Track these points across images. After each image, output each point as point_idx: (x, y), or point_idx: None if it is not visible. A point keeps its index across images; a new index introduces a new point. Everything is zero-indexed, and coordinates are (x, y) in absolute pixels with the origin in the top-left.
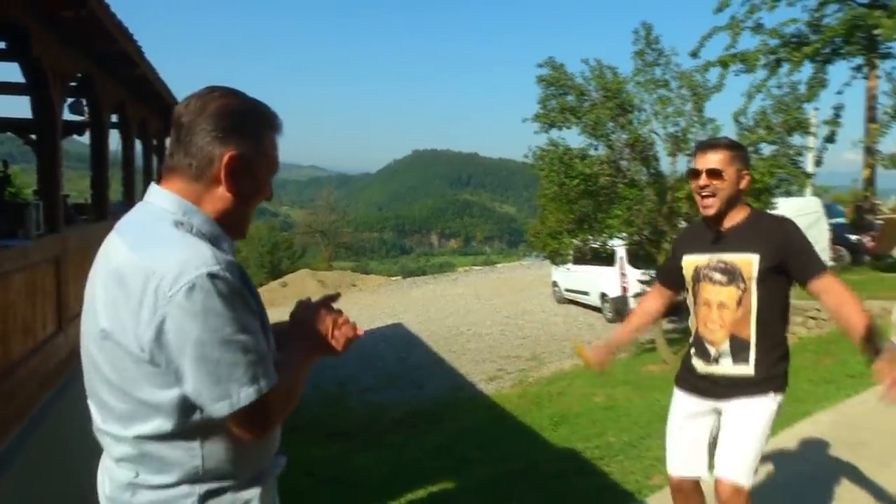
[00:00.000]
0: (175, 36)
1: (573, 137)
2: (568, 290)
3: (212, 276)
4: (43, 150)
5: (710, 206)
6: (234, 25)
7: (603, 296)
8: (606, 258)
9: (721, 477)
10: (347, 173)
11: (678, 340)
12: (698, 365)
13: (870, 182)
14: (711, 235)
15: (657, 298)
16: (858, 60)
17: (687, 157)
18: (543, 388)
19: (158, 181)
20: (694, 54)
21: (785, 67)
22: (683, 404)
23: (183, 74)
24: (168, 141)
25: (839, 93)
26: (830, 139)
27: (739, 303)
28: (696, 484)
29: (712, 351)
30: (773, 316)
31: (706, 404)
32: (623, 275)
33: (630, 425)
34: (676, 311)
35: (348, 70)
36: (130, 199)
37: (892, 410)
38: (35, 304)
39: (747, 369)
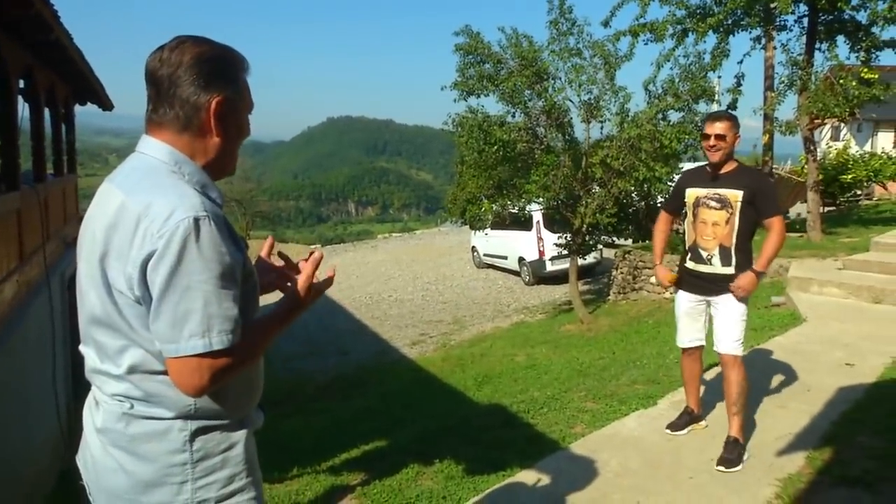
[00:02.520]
0: None
1: (491, 105)
2: (487, 255)
3: (196, 221)
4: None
5: (716, 154)
6: None
7: (521, 260)
8: (523, 223)
9: (723, 352)
10: (261, 141)
11: (593, 301)
12: (694, 266)
13: (769, 147)
14: (710, 176)
15: (666, 222)
16: (757, 32)
17: (600, 124)
18: (466, 350)
19: (147, 132)
20: (605, 24)
21: (691, 38)
22: (684, 299)
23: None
24: (148, 95)
25: (740, 62)
26: (733, 106)
27: (727, 222)
28: (699, 349)
29: (705, 255)
30: (748, 233)
31: (701, 299)
32: (540, 239)
33: (551, 381)
34: (590, 273)
35: (258, 37)
36: (41, 168)
37: (788, 359)
38: (9, 243)
39: (730, 269)
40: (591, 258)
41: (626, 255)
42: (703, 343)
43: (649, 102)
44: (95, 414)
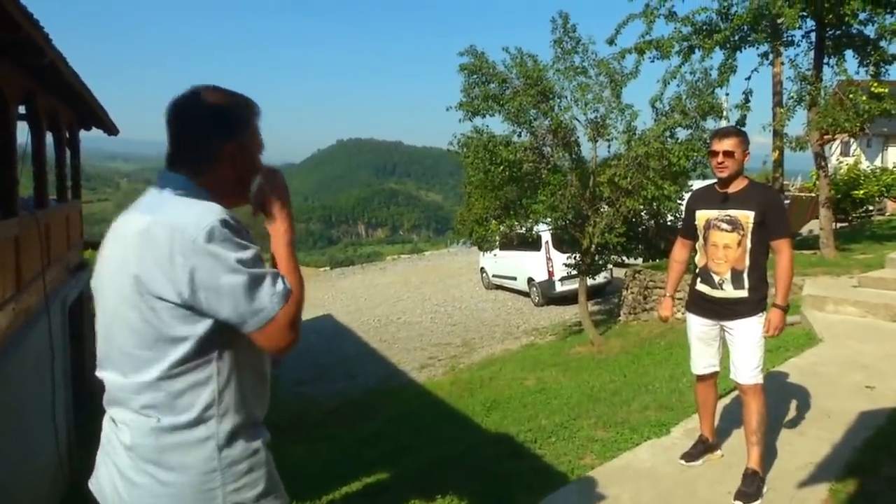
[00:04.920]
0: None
1: (497, 125)
2: (496, 276)
3: (223, 222)
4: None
5: (724, 171)
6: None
7: (530, 280)
8: (532, 243)
9: (742, 382)
10: (271, 164)
11: (603, 322)
12: (706, 290)
13: (779, 163)
14: (720, 197)
15: (684, 248)
16: (765, 48)
17: (607, 143)
18: (475, 373)
19: (168, 168)
20: (611, 42)
21: (698, 54)
22: (696, 324)
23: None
24: (168, 138)
25: (748, 78)
26: (741, 123)
27: (739, 244)
28: (714, 375)
29: (717, 279)
30: (760, 254)
31: (713, 323)
32: (549, 259)
33: (561, 407)
34: (600, 293)
35: (267, 60)
36: (42, 194)
37: (805, 382)
38: (5, 271)
39: (743, 293)
40: (600, 278)
41: (637, 275)
42: (718, 369)
43: (656, 120)
44: (122, 434)
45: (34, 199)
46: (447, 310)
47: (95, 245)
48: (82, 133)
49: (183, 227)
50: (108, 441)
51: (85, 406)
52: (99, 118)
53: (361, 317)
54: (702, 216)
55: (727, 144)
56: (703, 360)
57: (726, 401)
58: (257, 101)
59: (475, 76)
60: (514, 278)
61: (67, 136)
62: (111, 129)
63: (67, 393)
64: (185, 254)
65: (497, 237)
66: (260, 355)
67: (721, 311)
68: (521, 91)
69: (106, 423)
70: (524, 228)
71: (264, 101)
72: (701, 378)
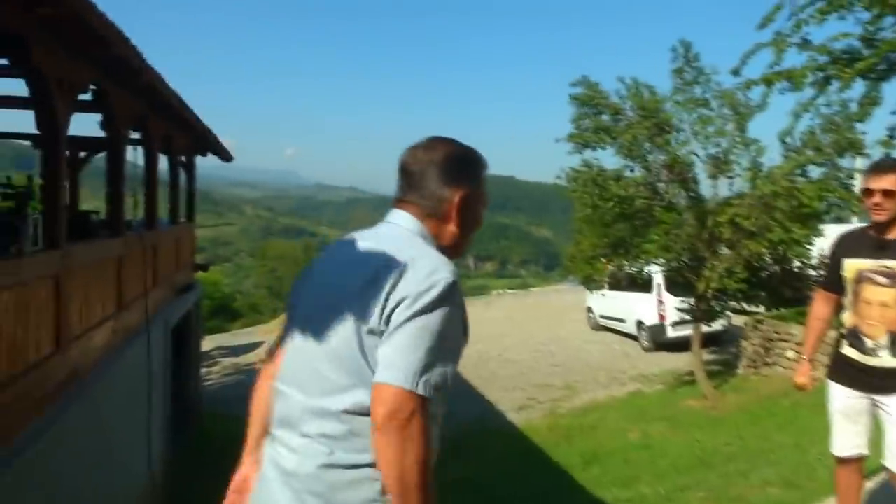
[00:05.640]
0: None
1: (607, 158)
2: (603, 317)
3: (454, 284)
4: (48, 162)
5: (882, 214)
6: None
7: (639, 323)
8: (643, 284)
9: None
10: (385, 195)
11: (718, 374)
12: (855, 356)
13: None
14: (875, 244)
15: (826, 304)
16: None
17: (729, 180)
18: (575, 419)
19: (397, 207)
20: (735, 72)
21: (835, 85)
22: (841, 396)
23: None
24: (399, 182)
25: (894, 112)
26: None
27: None
28: (860, 460)
29: (870, 343)
30: None
31: (863, 395)
32: (661, 302)
33: (667, 470)
34: (716, 341)
35: (386, 94)
36: (152, 216)
37: None
38: (28, 324)
39: None
40: (717, 325)
41: (758, 325)
42: (867, 452)
43: (786, 156)
44: (283, 458)
45: (144, 220)
46: (551, 349)
47: (204, 267)
48: (212, 161)
49: (419, 268)
50: (271, 463)
51: (183, 426)
52: (212, 144)
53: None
54: (852, 267)
55: (887, 182)
56: (847, 441)
57: (870, 485)
58: (377, 135)
59: (586, 107)
60: (623, 320)
61: (184, 160)
62: (226, 156)
63: (165, 411)
64: (409, 289)
65: (605, 277)
66: (444, 404)
67: (874, 382)
68: (634, 123)
69: (268, 443)
70: (634, 269)
71: (384, 134)
72: (843, 461)
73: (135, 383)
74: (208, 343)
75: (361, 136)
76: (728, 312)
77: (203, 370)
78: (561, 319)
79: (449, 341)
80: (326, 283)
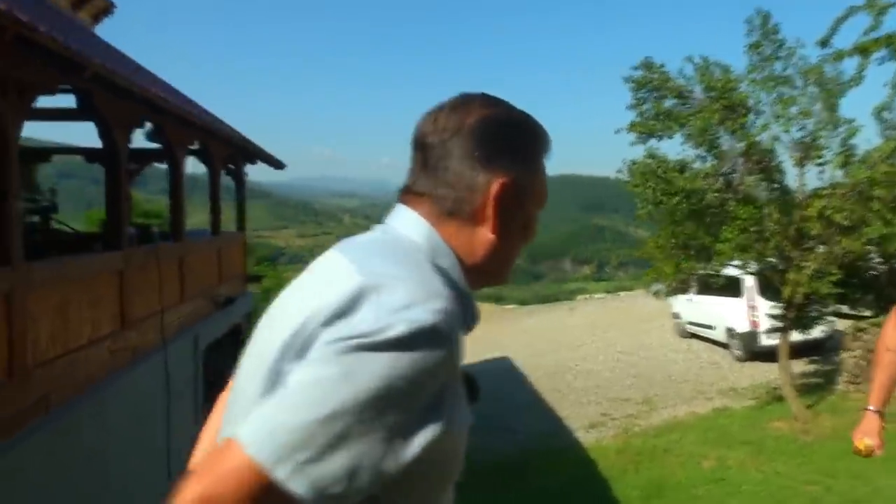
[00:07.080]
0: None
1: (673, 148)
2: (690, 324)
3: (429, 332)
4: (108, 181)
5: None
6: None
7: (730, 331)
8: (733, 288)
9: None
10: None
11: (814, 389)
12: None
13: None
14: None
15: None
16: None
17: (819, 167)
18: (648, 441)
19: (403, 202)
20: (824, 43)
21: None
22: None
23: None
24: (412, 163)
25: None
26: None
27: None
28: None
29: None
30: None
31: None
32: (752, 307)
33: None
34: (818, 349)
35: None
36: (178, 227)
37: None
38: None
39: None
40: (819, 331)
41: (859, 333)
42: None
43: (884, 135)
44: None
45: (171, 232)
46: (632, 359)
47: (258, 278)
48: (314, 171)
49: (383, 298)
50: None
51: None
52: (259, 154)
53: (537, 361)
54: None
55: None
56: None
57: None
58: None
59: (644, 91)
60: (712, 327)
61: (233, 168)
62: (275, 164)
63: (193, 434)
64: (351, 325)
65: (672, 282)
66: None
67: None
68: (704, 107)
69: None
70: (710, 271)
71: None
72: None
73: (143, 405)
74: None
75: None
76: (830, 318)
77: None
78: (646, 326)
79: (390, 415)
80: (285, 308)
